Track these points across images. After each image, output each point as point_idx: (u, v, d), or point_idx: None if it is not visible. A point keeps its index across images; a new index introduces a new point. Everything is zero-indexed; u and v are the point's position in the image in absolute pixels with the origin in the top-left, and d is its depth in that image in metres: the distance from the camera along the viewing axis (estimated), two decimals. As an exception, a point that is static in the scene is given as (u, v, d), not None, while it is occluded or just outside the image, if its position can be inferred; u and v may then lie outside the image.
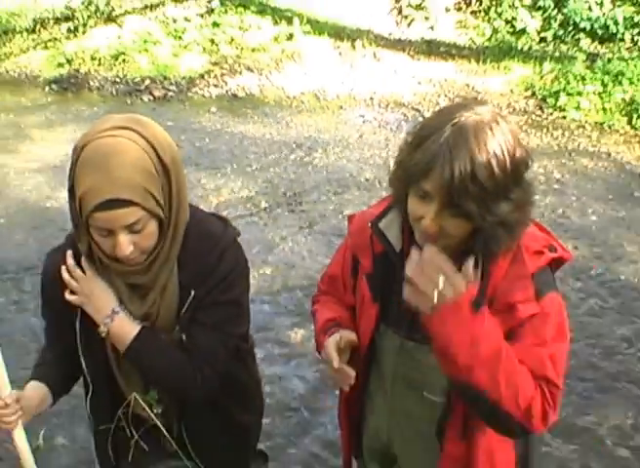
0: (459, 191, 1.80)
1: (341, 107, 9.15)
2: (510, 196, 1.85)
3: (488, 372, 1.88)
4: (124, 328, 2.22)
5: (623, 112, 8.41)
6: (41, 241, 5.89)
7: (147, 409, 2.31)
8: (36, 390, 2.36)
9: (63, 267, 2.24)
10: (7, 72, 10.36)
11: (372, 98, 9.28)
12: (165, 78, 9.72)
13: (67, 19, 10.91)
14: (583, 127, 8.29)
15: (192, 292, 2.22)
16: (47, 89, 9.90)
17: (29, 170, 7.47)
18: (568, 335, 2.05)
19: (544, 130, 8.28)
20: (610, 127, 8.23)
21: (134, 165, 2.00)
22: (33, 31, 11.06)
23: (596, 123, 8.32)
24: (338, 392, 2.47)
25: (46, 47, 10.70)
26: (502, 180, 1.81)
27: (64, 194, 6.82)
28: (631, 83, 8.76)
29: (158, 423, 2.33)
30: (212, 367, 2.27)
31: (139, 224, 2.04)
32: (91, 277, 2.22)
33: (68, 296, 2.23)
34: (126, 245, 2.05)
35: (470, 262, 1.88)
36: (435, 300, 1.81)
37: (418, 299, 1.84)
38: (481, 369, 1.88)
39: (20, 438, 2.31)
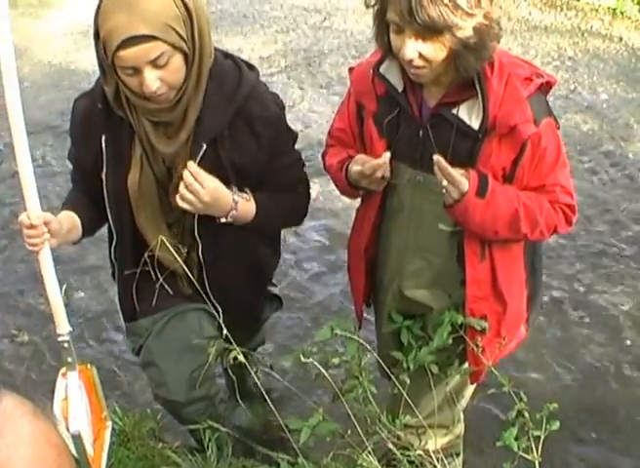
0: (420, 13, 1.82)
1: (361, -25, 8.71)
2: (472, 10, 1.85)
3: (512, 229, 2.13)
4: (245, 209, 2.27)
5: (635, 0, 8.02)
6: (65, 102, 5.64)
7: (172, 250, 2.27)
8: (68, 218, 2.29)
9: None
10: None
11: (393, -32, 8.84)
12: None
13: None
14: (596, 10, 7.89)
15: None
16: (73, -45, 9.46)
17: (54, 35, 7.21)
18: (566, 159, 2.18)
19: (558, 9, 7.90)
20: (622, 13, 7.83)
21: (154, 2, 1.95)
22: None
23: (609, 8, 7.90)
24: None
25: None
26: None
27: (88, 57, 6.66)
28: (645, -29, 8.34)
29: (181, 263, 2.29)
30: (308, 193, 2.56)
31: (163, 58, 1.98)
32: (203, 178, 2.14)
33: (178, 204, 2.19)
34: (152, 80, 1.99)
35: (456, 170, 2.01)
36: (446, 202, 2.06)
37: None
38: (506, 230, 2.13)
39: (45, 261, 2.17)
